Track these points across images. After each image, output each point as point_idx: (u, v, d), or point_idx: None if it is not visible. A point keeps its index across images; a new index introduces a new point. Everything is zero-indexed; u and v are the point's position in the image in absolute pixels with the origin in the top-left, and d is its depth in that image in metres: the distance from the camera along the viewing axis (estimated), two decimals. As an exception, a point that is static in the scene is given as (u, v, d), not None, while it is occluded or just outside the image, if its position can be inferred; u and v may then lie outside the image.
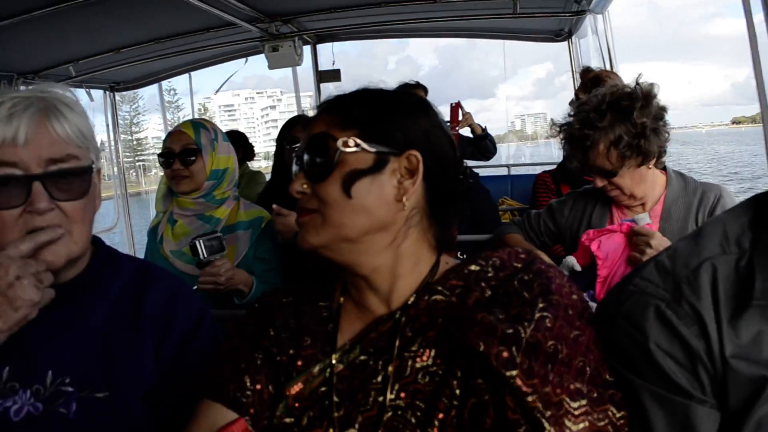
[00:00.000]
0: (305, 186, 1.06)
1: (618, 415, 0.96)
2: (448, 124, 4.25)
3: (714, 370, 0.95)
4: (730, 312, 0.95)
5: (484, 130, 4.69)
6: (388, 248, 1.08)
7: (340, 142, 1.04)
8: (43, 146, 1.15)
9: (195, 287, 2.07)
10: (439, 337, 1.01)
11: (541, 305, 0.96)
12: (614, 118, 1.99)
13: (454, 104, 4.49)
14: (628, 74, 4.35)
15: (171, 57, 5.27)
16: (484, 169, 4.79)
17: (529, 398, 0.89)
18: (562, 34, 5.25)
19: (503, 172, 4.82)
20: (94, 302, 1.27)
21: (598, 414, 0.93)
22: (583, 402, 0.92)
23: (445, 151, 1.09)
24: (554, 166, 3.43)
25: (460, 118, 4.45)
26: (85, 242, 1.24)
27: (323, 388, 1.06)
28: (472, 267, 1.07)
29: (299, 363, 1.09)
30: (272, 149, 3.47)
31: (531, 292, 0.98)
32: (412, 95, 1.16)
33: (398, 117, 1.07)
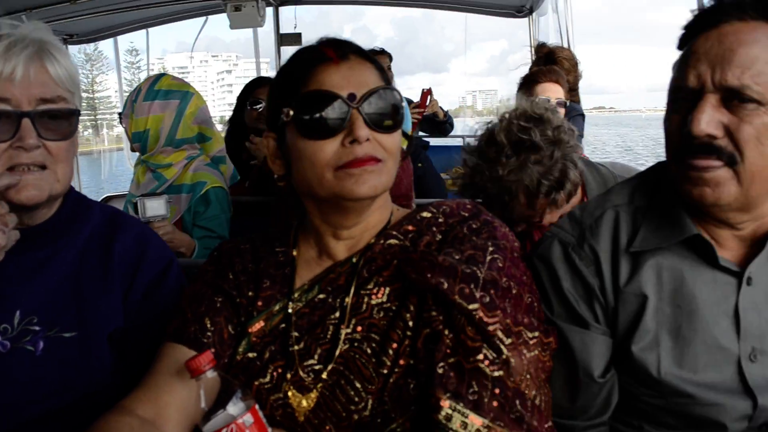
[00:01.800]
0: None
1: (553, 345, 1.12)
2: (416, 107, 4.37)
3: (606, 302, 1.19)
4: (625, 252, 1.18)
5: (446, 113, 5.00)
6: (387, 200, 1.20)
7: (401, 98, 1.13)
8: (36, 85, 1.18)
9: None
10: (393, 277, 1.11)
11: (491, 248, 1.08)
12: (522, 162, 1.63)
13: (425, 90, 4.64)
14: (580, 55, 4.50)
15: (129, 11, 5.12)
16: (440, 140, 4.91)
17: (491, 327, 1.00)
18: (524, 11, 5.30)
19: (457, 142, 4.93)
20: (63, 246, 1.31)
21: (545, 344, 1.08)
22: (536, 333, 1.06)
23: None
24: None
25: (428, 103, 4.59)
26: (67, 182, 1.28)
27: (283, 325, 1.15)
28: (424, 214, 1.16)
29: (259, 303, 1.17)
30: (227, 114, 3.46)
31: (480, 237, 1.09)
32: None
33: None
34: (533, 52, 4.09)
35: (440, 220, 1.15)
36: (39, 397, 1.20)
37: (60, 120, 1.23)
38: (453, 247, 1.08)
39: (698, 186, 1.06)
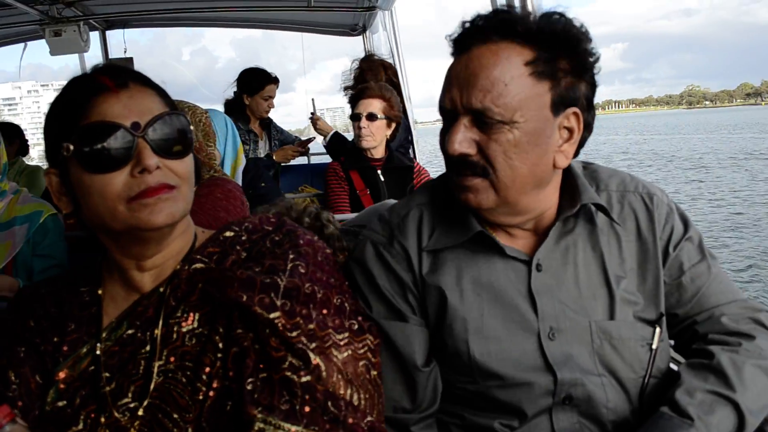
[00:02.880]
0: None
1: (375, 342, 1.16)
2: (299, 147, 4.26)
3: (419, 294, 1.27)
4: (427, 247, 1.27)
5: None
6: (189, 225, 1.18)
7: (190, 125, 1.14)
8: None
9: None
10: (201, 301, 1.09)
11: (291, 256, 1.09)
12: None
13: (309, 138, 4.62)
14: (412, 70, 4.73)
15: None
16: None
17: (293, 334, 1.01)
18: (357, 29, 5.45)
19: (303, 161, 4.96)
20: None
21: (358, 343, 1.10)
22: (347, 334, 1.08)
23: None
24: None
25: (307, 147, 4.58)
26: None
27: (92, 367, 1.09)
28: (227, 233, 1.16)
29: (65, 348, 1.11)
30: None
31: (281, 247, 1.11)
32: None
33: None
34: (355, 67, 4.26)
35: (243, 237, 1.14)
36: None
37: None
38: (255, 261, 1.09)
39: (463, 193, 1.19)
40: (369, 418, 1.06)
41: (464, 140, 1.15)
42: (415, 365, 1.23)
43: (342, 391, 1.02)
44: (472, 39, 1.16)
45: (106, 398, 1.06)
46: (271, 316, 1.02)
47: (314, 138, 4.62)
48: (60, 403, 1.08)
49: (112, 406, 1.06)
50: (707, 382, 1.18)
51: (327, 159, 4.56)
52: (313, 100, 4.27)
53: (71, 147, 1.02)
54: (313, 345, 1.02)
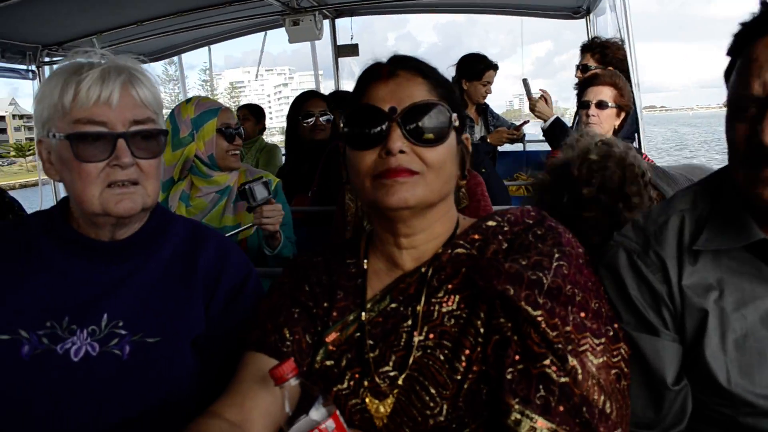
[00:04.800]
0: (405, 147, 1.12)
1: (629, 352, 1.11)
2: (513, 132, 4.20)
3: (674, 308, 1.18)
4: (689, 254, 1.17)
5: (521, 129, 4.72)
6: (448, 211, 1.22)
7: (454, 116, 1.16)
8: (129, 108, 1.29)
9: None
10: (462, 285, 1.13)
11: (557, 255, 1.08)
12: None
13: (525, 121, 4.55)
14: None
15: (192, 30, 5.32)
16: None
17: (552, 334, 1.01)
18: (581, 11, 5.22)
19: (519, 147, 4.85)
20: (149, 258, 1.39)
21: (614, 350, 1.06)
22: (603, 340, 1.05)
23: None
24: None
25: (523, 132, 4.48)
26: (155, 197, 1.37)
27: (358, 334, 1.18)
28: (490, 222, 1.19)
29: (334, 314, 1.21)
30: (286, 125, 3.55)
31: (545, 243, 1.10)
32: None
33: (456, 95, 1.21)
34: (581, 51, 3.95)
35: (505, 228, 1.17)
36: (125, 399, 1.27)
37: (150, 139, 1.32)
38: (519, 254, 1.10)
39: None
40: (618, 430, 1.02)
41: None
42: (664, 382, 1.16)
43: (596, 397, 1.00)
44: None
45: (369, 364, 1.14)
46: (535, 313, 1.02)
47: (528, 121, 4.49)
48: (328, 362, 1.18)
49: (375, 372, 1.13)
50: None
51: (543, 146, 4.40)
52: (526, 81, 3.98)
53: (343, 125, 1.17)
54: (570, 347, 1.01)
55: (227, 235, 2.28)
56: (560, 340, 1.01)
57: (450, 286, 1.14)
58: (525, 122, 4.42)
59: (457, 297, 1.13)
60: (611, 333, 1.07)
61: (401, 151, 1.10)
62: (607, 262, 1.25)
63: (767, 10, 1.07)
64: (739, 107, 1.07)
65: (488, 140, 4.15)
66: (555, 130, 3.54)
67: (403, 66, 1.17)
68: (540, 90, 3.63)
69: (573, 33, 5.18)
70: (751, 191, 1.08)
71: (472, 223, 1.22)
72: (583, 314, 1.05)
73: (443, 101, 1.15)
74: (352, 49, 5.53)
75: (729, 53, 1.12)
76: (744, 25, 1.09)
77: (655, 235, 1.21)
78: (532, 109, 3.71)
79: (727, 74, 1.13)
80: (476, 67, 4.13)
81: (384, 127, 1.11)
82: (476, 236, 1.18)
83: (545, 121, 3.65)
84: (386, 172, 1.10)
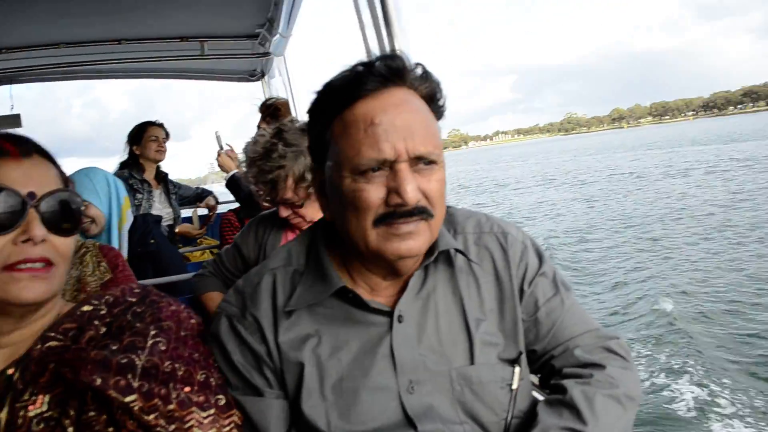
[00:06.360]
0: None
1: (242, 418, 1.15)
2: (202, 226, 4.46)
3: (275, 366, 1.20)
4: (283, 311, 1.21)
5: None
6: (55, 303, 1.14)
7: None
8: None
9: None
10: (51, 382, 1.03)
11: (152, 332, 1.08)
12: (295, 155, 2.13)
13: (212, 205, 4.83)
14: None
15: None
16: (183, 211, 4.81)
17: (149, 417, 0.99)
18: (256, 74, 5.59)
19: (205, 211, 4.90)
20: None
21: (225, 419, 1.09)
22: (212, 411, 1.07)
23: None
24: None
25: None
26: None
27: None
28: (85, 308, 1.11)
29: None
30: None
31: (143, 321, 1.09)
32: None
33: None
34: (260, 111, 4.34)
35: (103, 311, 1.11)
36: None
37: None
38: (114, 338, 1.05)
39: (405, 241, 1.12)
40: None
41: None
42: None
43: None
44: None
45: None
46: (127, 399, 0.98)
47: (214, 211, 4.83)
48: None
49: None
50: (562, 418, 1.16)
51: (221, 209, 4.67)
52: (217, 133, 3.91)
53: None
54: (173, 427, 0.99)
55: None
56: (160, 422, 0.98)
57: (37, 386, 1.02)
58: (209, 216, 4.73)
59: (47, 396, 1.01)
60: (222, 402, 1.08)
61: (42, 240, 1.03)
62: (212, 330, 1.24)
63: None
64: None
65: (176, 231, 4.44)
66: (233, 185, 3.64)
67: (36, 148, 1.10)
68: (227, 144, 3.75)
69: (261, 94, 5.49)
70: (381, 247, 1.14)
71: (69, 310, 1.12)
72: (188, 389, 1.03)
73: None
74: (13, 120, 4.92)
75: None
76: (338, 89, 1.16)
77: (251, 297, 1.24)
78: (218, 161, 3.78)
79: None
80: (137, 130, 4.38)
81: (22, 212, 1.02)
82: (70, 325, 1.08)
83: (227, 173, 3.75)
84: (23, 261, 1.01)
